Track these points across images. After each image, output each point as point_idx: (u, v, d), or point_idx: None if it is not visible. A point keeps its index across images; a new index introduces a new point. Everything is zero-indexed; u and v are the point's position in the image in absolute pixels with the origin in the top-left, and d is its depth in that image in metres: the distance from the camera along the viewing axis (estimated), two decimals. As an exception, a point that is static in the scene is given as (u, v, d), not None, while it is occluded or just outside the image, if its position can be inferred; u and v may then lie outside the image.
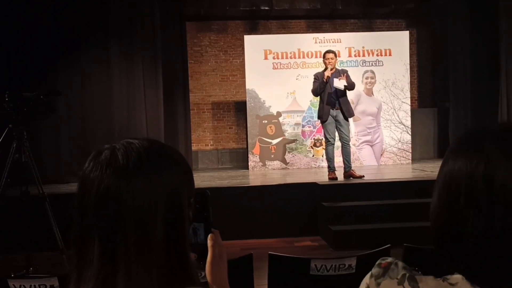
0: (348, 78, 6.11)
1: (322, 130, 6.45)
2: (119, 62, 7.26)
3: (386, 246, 2.18)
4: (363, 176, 6.18)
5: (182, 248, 0.81)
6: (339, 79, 6.01)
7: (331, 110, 6.11)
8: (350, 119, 6.50)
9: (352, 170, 6.27)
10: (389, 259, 0.82)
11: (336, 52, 6.51)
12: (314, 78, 6.25)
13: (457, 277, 0.74)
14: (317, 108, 8.06)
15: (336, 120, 6.14)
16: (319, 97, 6.32)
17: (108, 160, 0.79)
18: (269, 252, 1.88)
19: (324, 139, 6.53)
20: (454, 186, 0.75)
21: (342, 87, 6.01)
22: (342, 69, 6.36)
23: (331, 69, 6.09)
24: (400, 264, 0.79)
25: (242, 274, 1.84)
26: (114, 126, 7.13)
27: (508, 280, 0.71)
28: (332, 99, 6.09)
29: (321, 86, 6.08)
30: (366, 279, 0.82)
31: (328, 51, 6.26)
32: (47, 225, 3.95)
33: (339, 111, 6.12)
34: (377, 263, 0.82)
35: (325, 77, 6.05)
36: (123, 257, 0.75)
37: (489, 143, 0.73)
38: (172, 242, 0.79)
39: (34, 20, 6.78)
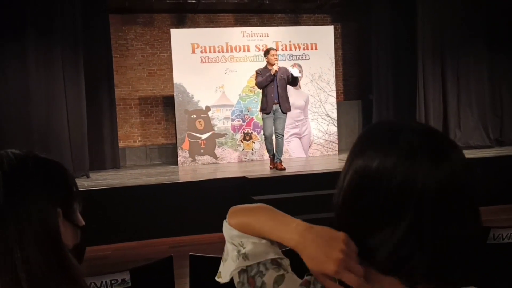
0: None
1: (252, 123, 6.62)
2: (36, 54, 6.84)
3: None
4: (284, 169, 6.44)
5: (57, 264, 0.76)
6: (292, 66, 6.61)
7: (273, 105, 6.41)
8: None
9: (280, 162, 6.47)
10: (307, 277, 0.78)
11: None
12: (257, 73, 6.50)
13: None
14: (246, 102, 8.21)
15: (274, 114, 6.47)
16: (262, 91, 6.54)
17: None
18: (190, 253, 1.85)
19: (262, 132, 6.79)
20: (368, 183, 0.71)
21: (300, 75, 6.55)
22: (282, 66, 6.58)
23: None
24: (318, 284, 0.76)
25: (162, 277, 1.79)
26: (33, 124, 6.74)
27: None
28: (276, 93, 6.41)
29: (268, 80, 6.35)
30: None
31: (271, 48, 6.66)
32: None
33: (278, 105, 6.45)
34: (295, 283, 0.79)
35: (274, 71, 6.32)
36: None
37: (405, 141, 0.70)
38: (43, 263, 0.74)
39: None
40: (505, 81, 8.64)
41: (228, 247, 0.88)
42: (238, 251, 0.86)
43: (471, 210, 0.70)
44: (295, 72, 6.44)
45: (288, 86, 6.52)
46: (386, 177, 0.69)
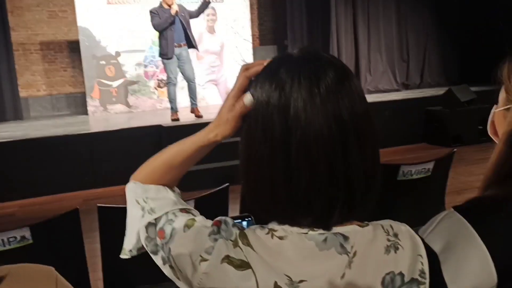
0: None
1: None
2: None
3: (225, 185, 2.17)
4: (202, 116, 6.21)
5: None
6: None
7: (175, 48, 5.92)
8: (194, 58, 6.41)
9: (196, 108, 6.27)
10: (218, 218, 0.75)
11: None
12: (152, 13, 5.90)
13: (284, 229, 0.70)
14: (159, 47, 7.81)
15: (179, 59, 6.01)
16: (159, 34, 6.03)
17: None
18: (98, 205, 1.72)
19: (166, 79, 6.34)
20: (253, 117, 0.71)
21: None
22: (179, 4, 6.18)
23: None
24: (229, 221, 0.73)
25: (68, 231, 1.66)
26: None
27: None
28: (178, 36, 5.93)
29: (168, 21, 5.83)
30: (204, 237, 0.72)
31: None
32: None
33: (182, 48, 6.01)
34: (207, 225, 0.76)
35: (174, 11, 5.81)
36: None
37: (284, 71, 0.68)
38: None
39: None
40: (410, 25, 9.00)
41: (131, 212, 0.82)
42: (143, 208, 0.80)
43: (360, 145, 0.67)
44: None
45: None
46: (262, 108, 0.69)
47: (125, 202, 0.84)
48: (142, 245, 0.81)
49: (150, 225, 0.78)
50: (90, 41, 7.54)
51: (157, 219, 0.78)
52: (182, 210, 0.79)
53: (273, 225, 0.71)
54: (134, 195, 0.82)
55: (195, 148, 0.81)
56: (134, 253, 0.83)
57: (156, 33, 6.14)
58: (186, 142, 0.82)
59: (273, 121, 0.67)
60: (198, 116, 6.23)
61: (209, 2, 6.09)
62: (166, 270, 0.76)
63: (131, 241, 0.82)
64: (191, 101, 6.31)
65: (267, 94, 0.68)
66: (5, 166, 5.20)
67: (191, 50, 6.18)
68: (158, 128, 5.85)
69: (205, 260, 0.70)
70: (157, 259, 0.77)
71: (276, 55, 0.75)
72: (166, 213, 0.78)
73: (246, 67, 0.76)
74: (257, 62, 0.75)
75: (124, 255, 0.83)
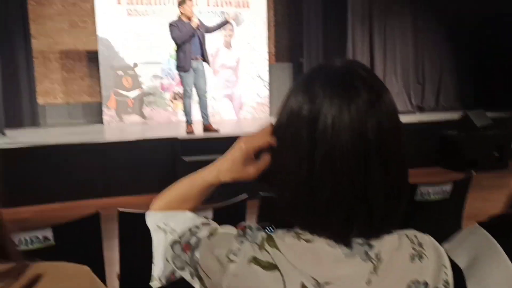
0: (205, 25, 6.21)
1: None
2: None
3: (243, 195, 2.17)
4: (218, 130, 6.22)
5: None
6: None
7: (192, 61, 5.97)
8: (210, 72, 6.45)
9: (209, 123, 6.28)
10: (243, 223, 0.77)
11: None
12: (172, 26, 5.96)
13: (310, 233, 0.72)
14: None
15: (195, 72, 6.06)
16: (177, 46, 6.09)
17: None
18: (119, 209, 1.74)
19: (182, 91, 6.39)
20: (284, 128, 0.73)
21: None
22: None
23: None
24: (254, 226, 0.75)
25: (89, 234, 1.67)
26: None
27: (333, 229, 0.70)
28: (196, 49, 5.99)
29: (189, 34, 5.87)
30: (230, 240, 0.74)
31: None
32: None
33: (199, 62, 6.05)
34: (231, 231, 0.78)
35: (196, 24, 5.87)
36: None
37: (319, 85, 0.71)
38: None
39: None
40: (427, 48, 9.01)
41: (155, 238, 0.86)
42: (165, 231, 0.84)
43: (384, 163, 0.68)
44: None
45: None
46: (293, 117, 0.71)
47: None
48: (170, 272, 0.82)
49: (175, 243, 0.81)
50: (109, 51, 7.66)
51: (181, 236, 0.81)
52: (203, 223, 0.82)
53: (298, 230, 0.73)
54: (154, 222, 0.86)
55: (206, 185, 0.87)
56: (164, 281, 0.84)
57: (175, 46, 6.21)
58: (197, 178, 0.88)
59: (301, 132, 0.69)
60: (214, 130, 6.23)
61: (227, 22, 6.19)
62: (196, 284, 0.77)
63: (159, 266, 0.84)
64: (203, 117, 6.29)
65: (300, 105, 0.71)
66: (20, 171, 5.26)
67: (205, 64, 6.25)
68: (173, 140, 5.88)
69: (233, 261, 0.71)
70: (186, 275, 0.79)
71: (319, 63, 0.77)
72: (189, 228, 0.81)
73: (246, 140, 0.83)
74: (260, 135, 0.80)
75: (154, 282, 0.85)
